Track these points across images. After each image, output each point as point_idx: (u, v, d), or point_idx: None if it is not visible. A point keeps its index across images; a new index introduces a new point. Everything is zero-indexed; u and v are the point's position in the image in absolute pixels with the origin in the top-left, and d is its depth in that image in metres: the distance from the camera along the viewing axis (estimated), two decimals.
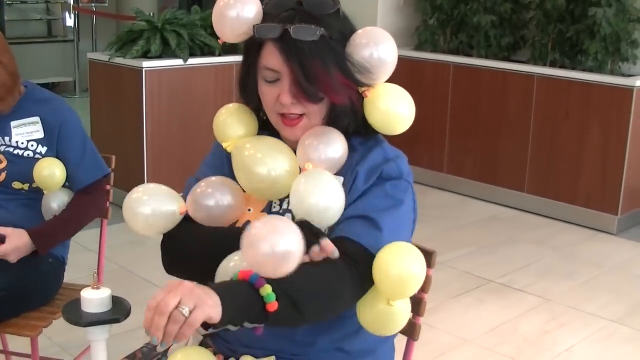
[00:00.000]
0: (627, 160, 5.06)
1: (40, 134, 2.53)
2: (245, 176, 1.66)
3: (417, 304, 1.88)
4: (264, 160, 1.63)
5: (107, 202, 2.72)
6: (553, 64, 5.56)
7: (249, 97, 1.72)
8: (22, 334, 2.42)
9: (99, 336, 1.50)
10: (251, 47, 1.66)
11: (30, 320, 2.46)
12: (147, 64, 4.98)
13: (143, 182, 5.02)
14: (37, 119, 2.53)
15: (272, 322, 1.43)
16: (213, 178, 1.69)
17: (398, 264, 1.54)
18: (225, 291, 1.38)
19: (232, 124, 1.75)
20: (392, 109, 1.68)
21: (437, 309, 3.87)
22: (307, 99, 1.61)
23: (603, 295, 4.17)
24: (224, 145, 1.74)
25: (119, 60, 5.12)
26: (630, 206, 5.24)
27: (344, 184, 1.65)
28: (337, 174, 1.66)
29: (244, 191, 1.69)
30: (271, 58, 1.60)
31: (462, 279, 4.33)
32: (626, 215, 5.22)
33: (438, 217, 5.40)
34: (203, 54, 5.28)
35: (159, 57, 5.09)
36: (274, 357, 1.69)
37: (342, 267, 1.52)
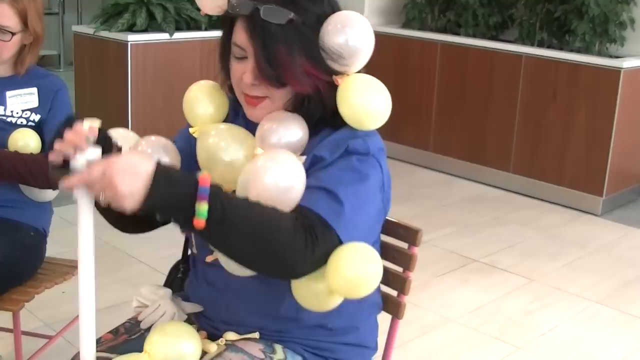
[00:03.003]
0: (613, 142, 5.07)
1: (35, 104, 2.56)
2: (208, 164, 1.64)
3: (402, 282, 1.88)
4: (228, 149, 1.62)
5: None
6: (541, 44, 5.55)
7: (227, 73, 1.69)
8: (4, 308, 2.41)
9: (86, 198, 1.45)
10: (225, 21, 1.64)
11: (12, 294, 2.44)
12: (132, 37, 4.93)
13: None
14: (34, 89, 2.57)
15: (198, 234, 1.44)
16: (153, 138, 1.72)
17: (355, 265, 1.49)
18: (163, 183, 1.39)
19: (202, 101, 1.73)
20: (366, 103, 1.59)
21: (421, 287, 3.88)
22: (268, 83, 1.58)
23: (587, 276, 4.19)
24: (191, 130, 1.73)
25: (104, 33, 5.07)
26: (615, 188, 5.25)
27: (305, 162, 1.60)
28: (303, 153, 1.63)
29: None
30: (239, 35, 1.58)
31: (446, 258, 4.34)
32: (611, 197, 5.24)
33: (424, 196, 5.40)
34: (189, 28, 5.24)
35: (145, 30, 5.05)
36: (257, 333, 1.69)
37: (291, 222, 1.47)
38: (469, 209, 5.23)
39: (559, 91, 5.28)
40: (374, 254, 1.52)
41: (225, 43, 1.65)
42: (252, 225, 1.45)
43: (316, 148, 1.61)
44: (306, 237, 1.46)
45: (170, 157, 1.70)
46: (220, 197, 1.42)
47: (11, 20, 2.49)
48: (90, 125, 1.47)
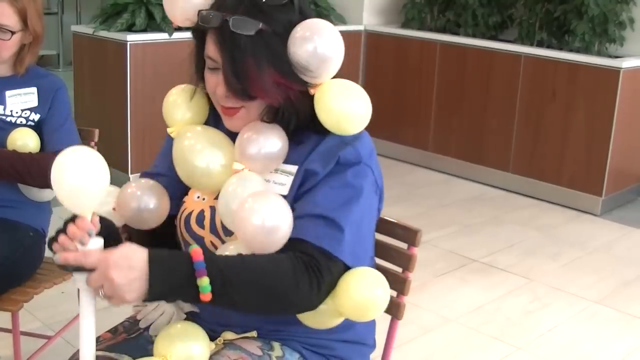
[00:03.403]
0: (612, 142, 5.07)
1: (34, 103, 2.56)
2: (182, 166, 1.64)
3: (401, 283, 1.88)
4: (203, 153, 1.61)
5: None
6: (540, 44, 5.55)
7: (204, 83, 1.68)
8: (3, 308, 2.40)
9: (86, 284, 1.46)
10: (197, 34, 1.63)
11: (11, 294, 2.44)
12: (131, 37, 4.92)
13: (127, 157, 5.01)
14: (34, 89, 2.57)
15: (207, 305, 1.46)
16: (143, 181, 1.71)
17: (364, 289, 1.54)
18: (161, 271, 1.41)
19: (181, 105, 1.72)
20: (344, 107, 1.56)
21: (420, 288, 3.87)
22: (236, 96, 1.57)
23: (586, 276, 4.18)
24: (169, 130, 1.72)
25: (103, 33, 5.06)
26: (614, 188, 5.25)
27: (296, 174, 1.61)
28: (289, 162, 1.63)
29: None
30: (210, 47, 1.57)
31: (446, 258, 4.34)
32: (610, 197, 5.24)
33: (423, 196, 5.40)
34: (189, 28, 5.22)
35: (144, 30, 5.04)
36: (255, 332, 1.69)
37: (290, 265, 1.49)
38: (468, 209, 5.22)
39: (558, 91, 5.28)
40: (381, 279, 1.58)
41: (199, 55, 1.64)
42: (253, 280, 1.48)
43: (307, 161, 1.60)
44: (309, 276, 1.50)
45: (158, 198, 1.69)
46: (217, 265, 1.44)
47: (11, 19, 2.49)
48: (92, 218, 1.47)
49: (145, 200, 1.66)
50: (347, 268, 1.56)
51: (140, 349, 1.63)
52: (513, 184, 5.60)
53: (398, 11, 6.35)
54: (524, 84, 5.46)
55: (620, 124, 5.07)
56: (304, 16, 1.58)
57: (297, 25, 1.54)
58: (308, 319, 1.62)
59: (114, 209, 1.69)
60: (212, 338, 1.68)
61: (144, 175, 1.79)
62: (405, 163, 6.09)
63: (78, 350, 1.53)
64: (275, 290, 1.49)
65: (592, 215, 5.19)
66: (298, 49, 1.53)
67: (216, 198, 1.64)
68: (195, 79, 1.70)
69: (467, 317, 3.65)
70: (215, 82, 1.59)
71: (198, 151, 1.61)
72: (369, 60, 6.27)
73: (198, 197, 1.70)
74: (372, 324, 1.85)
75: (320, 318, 1.62)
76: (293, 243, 1.53)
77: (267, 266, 1.49)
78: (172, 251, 1.47)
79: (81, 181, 1.42)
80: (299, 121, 1.61)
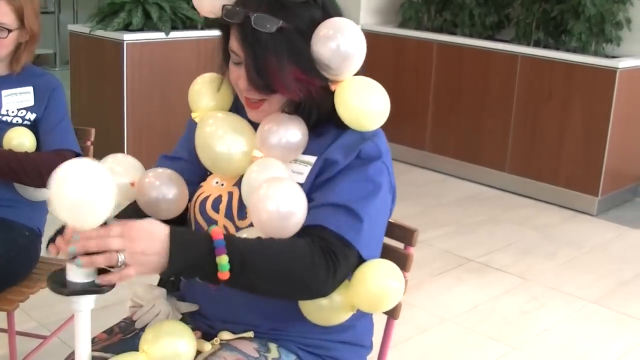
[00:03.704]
0: (609, 142, 5.08)
1: (30, 102, 2.56)
2: (204, 151, 1.67)
3: None
4: (224, 138, 1.64)
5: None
6: (537, 44, 5.55)
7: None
8: None
9: (83, 306, 1.47)
10: (222, 27, 1.66)
11: (7, 294, 2.43)
12: (128, 36, 4.92)
13: None
14: (30, 88, 2.57)
15: (224, 285, 1.48)
16: (160, 170, 1.73)
17: (379, 279, 1.58)
18: (181, 246, 1.43)
19: (206, 94, 1.76)
20: (364, 105, 1.60)
21: (417, 287, 3.88)
22: (257, 90, 1.60)
23: (582, 276, 4.19)
24: (193, 115, 1.75)
25: (100, 32, 5.06)
26: (610, 188, 5.26)
27: (315, 163, 1.64)
28: (308, 153, 1.66)
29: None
30: (234, 42, 1.60)
31: (442, 257, 4.34)
32: (606, 197, 5.24)
33: (419, 195, 5.40)
34: (185, 27, 5.23)
35: (141, 30, 5.04)
36: (252, 332, 1.69)
37: (308, 249, 1.52)
38: (465, 209, 5.23)
39: (555, 91, 5.28)
40: (396, 270, 1.62)
41: (225, 47, 1.67)
42: (272, 262, 1.51)
43: (328, 151, 1.63)
44: (327, 261, 1.52)
45: (177, 188, 1.72)
46: (236, 245, 1.47)
47: (8, 18, 2.49)
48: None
49: (164, 191, 1.69)
50: (362, 260, 1.59)
51: (135, 350, 1.63)
52: (510, 184, 5.60)
53: (395, 11, 6.35)
54: (521, 84, 5.46)
55: (616, 124, 5.07)
56: (326, 12, 1.61)
57: (321, 24, 1.57)
58: (312, 313, 1.64)
59: (132, 184, 1.71)
60: (210, 336, 1.69)
61: (163, 157, 1.82)
62: (402, 162, 6.09)
63: (73, 352, 1.54)
64: (292, 273, 1.51)
65: (589, 215, 5.19)
66: (321, 47, 1.56)
67: (235, 184, 1.68)
68: (221, 71, 1.73)
69: (463, 317, 3.65)
70: (238, 75, 1.62)
71: (220, 137, 1.64)
72: (365, 60, 6.22)
73: (217, 182, 1.73)
74: (370, 325, 1.86)
75: (325, 314, 1.64)
76: (313, 229, 1.55)
77: (286, 249, 1.52)
78: (191, 231, 1.54)
79: (84, 196, 1.37)
80: (320, 115, 1.65)
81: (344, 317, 1.66)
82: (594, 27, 5.23)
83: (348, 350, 1.78)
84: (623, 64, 5.00)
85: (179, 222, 1.74)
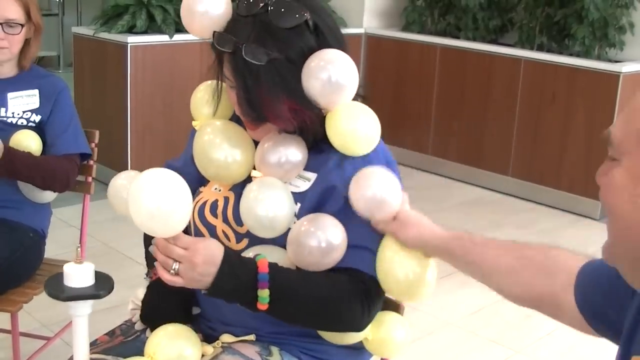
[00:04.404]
0: None
1: (36, 105, 2.58)
2: (201, 159, 1.68)
3: None
4: (221, 147, 1.65)
5: (90, 179, 2.71)
6: (540, 48, 5.56)
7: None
8: (2, 309, 2.41)
9: (80, 311, 1.48)
10: (215, 49, 1.62)
11: (11, 295, 2.44)
12: (132, 39, 4.93)
13: (126, 159, 5.00)
14: (35, 91, 2.59)
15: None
16: None
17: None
18: (228, 274, 1.49)
19: (208, 102, 1.75)
20: (354, 130, 1.59)
21: None
22: (249, 121, 1.61)
23: None
24: (194, 124, 1.75)
25: (104, 35, 5.07)
26: None
27: (316, 181, 1.64)
28: (308, 169, 1.66)
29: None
30: (226, 68, 1.59)
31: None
32: None
33: (422, 199, 5.39)
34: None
35: (145, 32, 5.05)
36: (254, 335, 1.69)
37: (347, 289, 1.58)
38: (468, 213, 5.23)
39: (558, 95, 5.29)
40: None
41: (219, 67, 1.65)
42: (312, 299, 1.57)
43: (326, 176, 1.63)
44: (362, 302, 1.59)
45: None
46: (279, 279, 1.53)
47: (18, 13, 2.54)
48: None
49: None
50: None
51: (136, 352, 1.63)
52: (512, 188, 5.60)
53: (398, 14, 6.35)
54: (524, 88, 5.46)
55: None
56: (320, 35, 1.58)
57: (312, 56, 1.55)
58: (328, 334, 1.69)
59: None
60: (212, 338, 1.69)
61: (166, 165, 1.83)
62: (404, 166, 6.09)
63: (72, 357, 1.55)
64: (330, 309, 1.59)
65: (591, 219, 5.19)
66: (312, 80, 1.54)
67: (230, 189, 1.70)
68: (217, 94, 1.72)
69: (466, 320, 3.65)
70: (234, 99, 1.61)
71: (217, 145, 1.65)
72: (369, 64, 6.27)
73: (215, 188, 1.74)
74: None
75: (343, 335, 1.69)
76: (347, 271, 1.60)
77: (325, 286, 1.58)
78: (240, 257, 1.56)
79: (162, 205, 1.40)
80: (316, 139, 1.65)
81: (356, 339, 1.70)
82: (597, 31, 5.23)
83: (350, 355, 1.78)
84: (626, 68, 5.00)
85: None
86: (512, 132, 5.56)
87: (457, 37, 5.97)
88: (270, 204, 1.56)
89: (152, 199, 1.39)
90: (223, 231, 1.68)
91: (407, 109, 6.09)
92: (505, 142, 5.61)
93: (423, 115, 6.08)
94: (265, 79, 1.52)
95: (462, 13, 5.92)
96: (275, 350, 1.68)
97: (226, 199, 1.69)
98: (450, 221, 4.98)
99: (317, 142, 1.65)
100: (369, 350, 1.78)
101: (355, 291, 1.58)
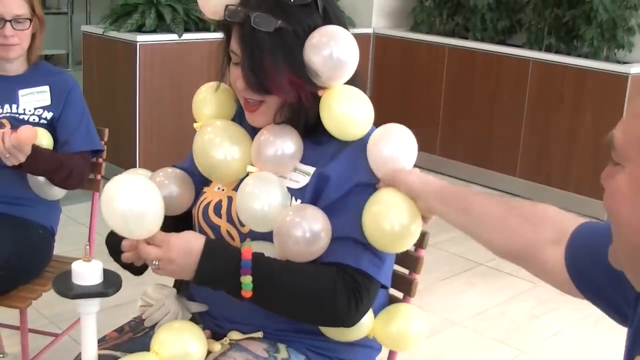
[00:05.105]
0: None
1: (47, 102, 2.60)
2: (201, 158, 1.69)
3: (408, 284, 1.89)
4: (221, 146, 1.66)
5: (100, 177, 2.73)
6: (548, 49, 5.55)
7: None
8: (11, 305, 2.42)
9: (89, 309, 1.49)
10: (224, 28, 1.68)
11: (20, 291, 2.45)
12: (141, 38, 4.95)
13: (135, 157, 5.02)
14: (46, 87, 2.61)
15: (247, 301, 1.56)
16: (169, 170, 1.76)
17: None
18: (210, 262, 1.53)
19: (210, 102, 1.77)
20: (346, 112, 1.61)
21: (427, 291, 3.88)
22: (253, 90, 1.62)
23: None
24: (195, 125, 1.76)
25: (113, 33, 5.09)
26: None
27: (314, 174, 1.65)
28: (307, 163, 1.67)
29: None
30: (234, 41, 1.62)
31: (452, 261, 4.34)
32: None
33: None
34: (198, 29, 5.25)
35: (154, 31, 5.06)
36: (261, 332, 1.70)
37: (332, 282, 1.57)
38: None
39: (566, 96, 5.28)
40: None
41: (225, 49, 1.69)
42: (295, 289, 1.58)
43: (322, 167, 1.64)
44: (349, 294, 1.58)
45: (184, 188, 1.75)
46: (262, 266, 1.55)
47: (24, 9, 2.56)
48: None
49: (171, 188, 1.72)
50: (384, 287, 1.66)
51: (145, 348, 1.64)
52: (520, 189, 5.60)
53: (407, 14, 6.36)
54: (532, 89, 5.46)
55: None
56: (327, 18, 1.62)
57: (314, 31, 1.58)
58: (329, 330, 1.69)
59: None
60: (219, 336, 1.70)
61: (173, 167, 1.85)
62: None
63: (80, 353, 1.56)
64: (312, 300, 1.58)
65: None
66: (313, 54, 1.57)
67: (234, 189, 1.70)
68: (221, 73, 1.74)
69: (472, 321, 3.65)
70: (236, 75, 1.64)
71: (216, 144, 1.66)
72: (377, 63, 6.28)
73: (218, 188, 1.75)
74: None
75: (343, 331, 1.69)
76: (337, 265, 1.59)
77: (310, 277, 1.58)
78: (225, 245, 1.60)
79: (134, 209, 1.45)
80: (308, 122, 1.65)
81: (358, 335, 1.71)
82: (605, 32, 5.22)
83: (357, 352, 1.78)
84: (635, 69, 5.00)
85: (186, 217, 1.78)
86: (520, 133, 5.56)
87: (465, 38, 5.96)
88: (265, 198, 1.58)
89: (124, 201, 1.45)
90: (227, 231, 1.69)
91: (414, 109, 6.09)
92: (513, 143, 5.61)
93: (431, 115, 6.08)
94: (269, 47, 1.56)
95: (471, 13, 5.92)
96: (282, 347, 1.69)
97: (229, 199, 1.70)
98: None
99: (314, 131, 1.66)
100: (383, 344, 1.78)
101: (342, 284, 1.56)
